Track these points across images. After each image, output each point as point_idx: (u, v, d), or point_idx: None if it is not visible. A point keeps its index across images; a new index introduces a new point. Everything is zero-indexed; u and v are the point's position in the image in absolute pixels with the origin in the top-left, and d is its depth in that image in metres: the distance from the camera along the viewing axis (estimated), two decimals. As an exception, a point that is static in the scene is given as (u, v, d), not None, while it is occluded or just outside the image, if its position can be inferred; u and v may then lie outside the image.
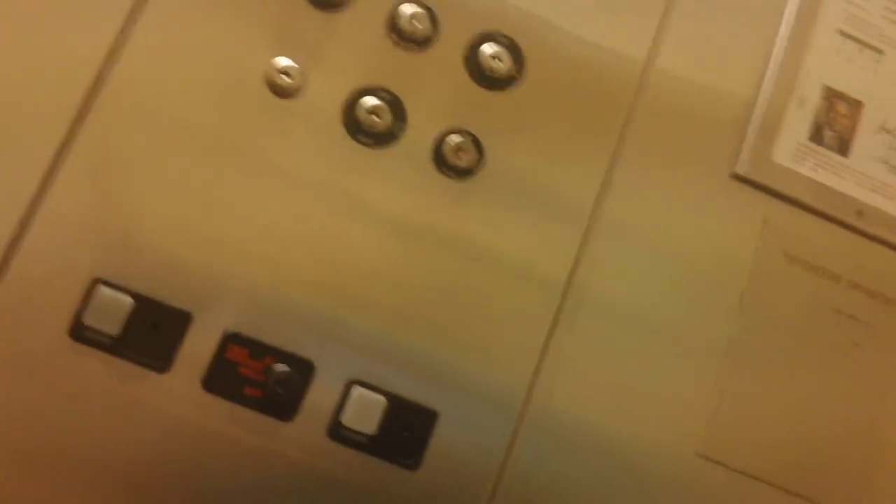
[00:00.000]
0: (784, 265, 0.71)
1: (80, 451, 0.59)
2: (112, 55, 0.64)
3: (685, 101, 0.72)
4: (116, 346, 0.61)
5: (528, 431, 0.65)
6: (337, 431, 0.62)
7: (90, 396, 0.60)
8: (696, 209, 0.71)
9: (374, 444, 0.63)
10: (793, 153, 0.73)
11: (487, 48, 0.68)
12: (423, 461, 0.63)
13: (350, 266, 0.65)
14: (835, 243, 0.73)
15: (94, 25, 0.64)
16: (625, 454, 0.66)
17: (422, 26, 0.68)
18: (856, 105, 0.75)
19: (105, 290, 0.61)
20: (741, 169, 0.72)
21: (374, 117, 0.66)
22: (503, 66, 0.68)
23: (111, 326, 0.60)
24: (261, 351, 0.62)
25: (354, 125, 0.66)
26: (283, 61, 0.65)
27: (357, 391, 0.63)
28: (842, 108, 0.74)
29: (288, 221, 0.64)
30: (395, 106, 0.67)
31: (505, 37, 0.69)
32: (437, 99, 0.68)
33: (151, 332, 0.61)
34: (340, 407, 0.63)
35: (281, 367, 0.62)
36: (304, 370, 0.63)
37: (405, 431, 0.63)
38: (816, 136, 0.73)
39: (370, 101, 0.66)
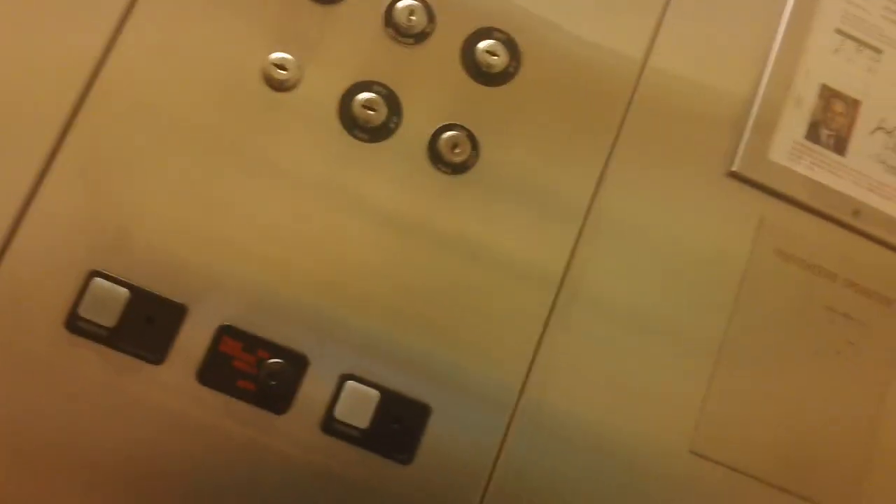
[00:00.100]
0: (779, 263, 0.71)
1: (74, 442, 0.60)
2: (107, 51, 0.64)
3: (682, 99, 0.72)
4: (112, 338, 0.61)
5: (521, 427, 0.65)
6: (330, 425, 0.62)
7: (85, 387, 0.60)
8: (692, 207, 0.71)
9: (367, 438, 0.63)
10: (789, 152, 0.73)
11: (484, 44, 0.68)
12: (416, 456, 0.64)
13: (344, 260, 0.65)
14: (830, 242, 0.73)
15: (90, 22, 0.64)
16: (618, 451, 0.67)
17: (418, 21, 0.68)
18: (853, 104, 0.75)
19: (101, 283, 0.61)
20: (738, 167, 0.71)
21: (369, 112, 0.66)
22: (500, 61, 0.68)
23: (107, 318, 0.61)
24: (255, 344, 0.62)
25: (350, 119, 0.66)
26: (279, 55, 0.65)
27: (350, 385, 0.63)
28: (839, 106, 0.74)
29: (283, 216, 0.64)
30: (391, 100, 0.67)
31: (502, 32, 0.69)
32: (433, 94, 0.68)
33: (146, 324, 0.61)
34: (334, 401, 0.63)
35: (274, 361, 0.62)
36: (297, 364, 0.63)
37: (398, 425, 0.63)
38: (813, 134, 0.73)
39: (366, 95, 0.66)
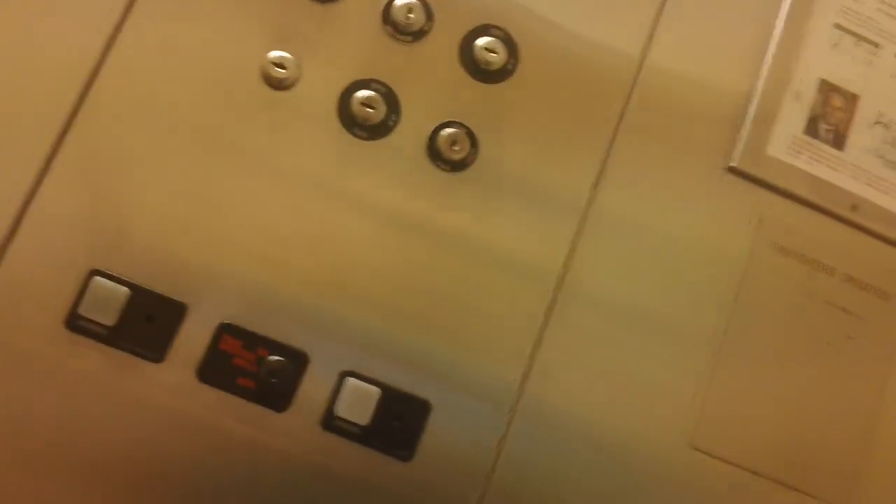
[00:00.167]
0: (778, 258, 0.71)
1: (74, 440, 0.60)
2: (107, 50, 0.64)
3: (680, 95, 0.72)
4: (112, 337, 0.61)
5: (521, 423, 0.66)
6: (330, 422, 0.63)
7: (86, 386, 0.60)
8: (690, 203, 0.71)
9: (368, 435, 0.63)
10: (788, 146, 0.73)
11: (482, 41, 0.68)
12: (417, 453, 0.64)
13: (344, 258, 0.65)
14: (829, 236, 0.73)
15: (89, 21, 0.64)
16: (618, 447, 0.67)
17: (417, 18, 0.68)
18: (851, 98, 0.75)
19: (101, 281, 0.61)
20: (736, 162, 0.72)
21: (368, 109, 0.66)
22: (498, 58, 0.68)
23: (107, 317, 0.61)
24: (255, 342, 0.63)
25: (349, 117, 0.66)
26: (277, 53, 0.65)
27: (351, 382, 0.63)
28: (837, 101, 0.74)
29: (282, 214, 0.64)
30: (390, 98, 0.67)
31: (500, 29, 0.69)
32: (431, 91, 0.68)
33: (147, 322, 0.62)
34: (334, 398, 0.63)
35: (274, 359, 0.62)
36: (297, 361, 0.63)
37: (398, 422, 0.64)
38: (812, 129, 0.73)
39: (365, 93, 0.66)
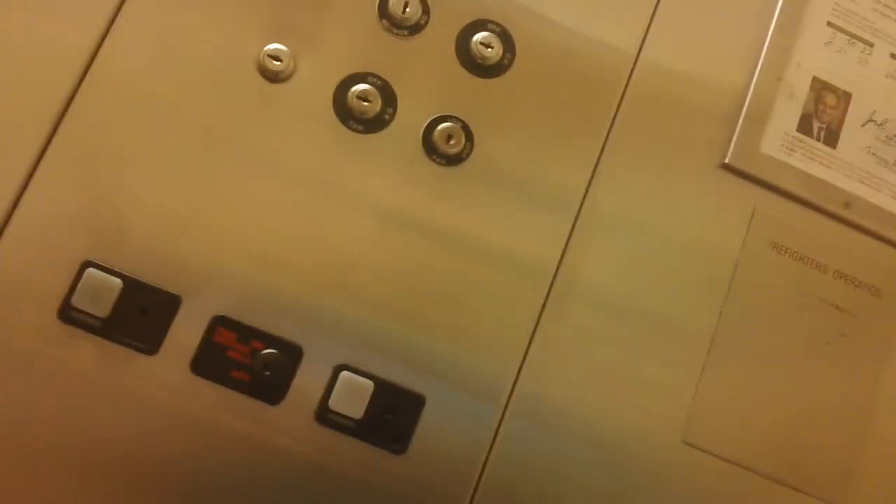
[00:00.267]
0: (771, 255, 0.72)
1: (67, 432, 0.60)
2: (101, 42, 0.64)
3: (675, 92, 0.72)
4: (105, 329, 0.61)
5: (514, 418, 0.66)
6: (324, 415, 0.63)
7: (79, 378, 0.60)
8: (684, 199, 0.71)
9: (361, 429, 0.63)
10: (781, 144, 0.73)
11: (478, 36, 0.68)
12: (410, 446, 0.64)
13: (339, 252, 0.65)
14: (822, 233, 0.73)
15: (83, 13, 0.64)
16: (611, 442, 0.67)
17: (413, 13, 0.68)
18: (844, 96, 0.75)
19: (94, 273, 0.61)
20: (730, 159, 0.72)
21: (364, 103, 0.66)
22: (494, 53, 0.68)
23: (100, 309, 0.61)
24: (249, 335, 0.62)
25: (345, 111, 0.66)
26: (273, 46, 0.65)
27: (345, 375, 0.63)
28: (831, 99, 0.75)
29: (277, 207, 0.64)
30: (386, 92, 0.67)
31: (496, 24, 0.69)
32: (427, 85, 0.68)
33: (140, 314, 0.61)
34: (328, 391, 0.63)
35: (268, 351, 0.62)
36: (292, 354, 0.63)
37: (392, 416, 0.63)
38: (805, 127, 0.74)
39: (361, 86, 0.66)
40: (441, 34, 0.69)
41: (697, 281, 0.70)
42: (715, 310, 0.70)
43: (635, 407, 0.68)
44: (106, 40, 0.64)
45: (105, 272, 0.61)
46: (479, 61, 0.68)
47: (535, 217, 0.68)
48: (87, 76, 0.63)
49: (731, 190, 0.72)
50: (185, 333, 0.62)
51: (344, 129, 0.66)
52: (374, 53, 0.67)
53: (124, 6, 0.65)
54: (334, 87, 0.66)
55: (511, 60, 0.69)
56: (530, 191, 0.68)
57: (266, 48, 0.65)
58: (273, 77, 0.65)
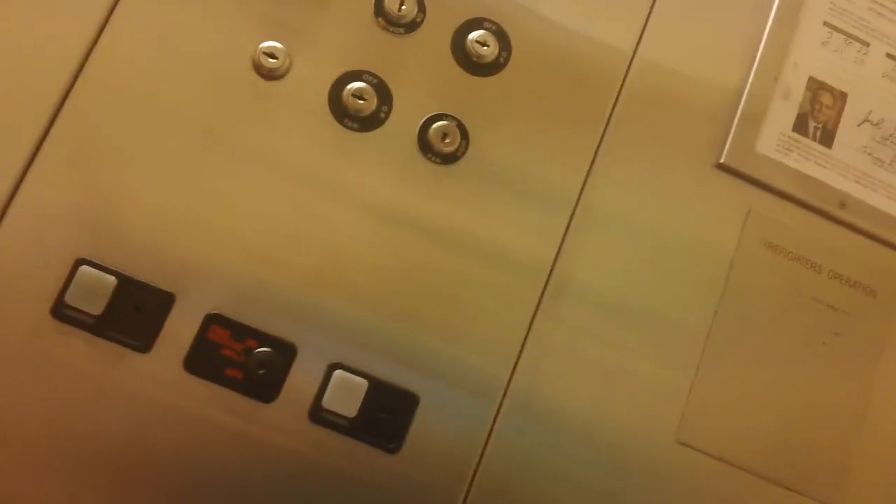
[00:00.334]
0: (766, 254, 0.72)
1: (60, 430, 0.59)
2: (96, 39, 0.64)
3: (670, 91, 0.72)
4: (98, 326, 0.61)
5: (509, 417, 0.66)
6: (318, 414, 0.62)
7: (71, 375, 0.60)
8: (680, 198, 0.71)
9: (355, 427, 0.63)
10: (777, 144, 0.73)
11: (474, 34, 0.68)
12: (404, 445, 0.64)
13: (333, 250, 0.65)
14: (817, 233, 0.73)
15: (78, 9, 0.63)
16: (605, 440, 0.67)
17: (409, 10, 0.68)
18: (840, 96, 0.75)
19: (88, 270, 0.61)
20: (725, 159, 0.72)
21: (359, 101, 0.66)
22: (490, 51, 0.68)
23: (94, 306, 0.61)
24: (243, 333, 0.62)
25: (340, 109, 0.66)
26: (269, 43, 0.65)
27: (338, 374, 0.63)
28: (826, 99, 0.75)
29: (272, 205, 0.64)
30: (381, 90, 0.67)
31: (492, 23, 0.69)
32: (423, 84, 0.68)
33: (134, 312, 0.61)
34: (322, 390, 0.63)
35: (262, 350, 0.62)
36: (286, 352, 0.63)
37: (386, 415, 0.63)
38: (800, 126, 0.74)
39: (356, 84, 0.66)
40: (437, 32, 0.69)
41: (692, 280, 0.70)
42: (710, 309, 0.70)
43: (630, 406, 0.68)
44: (101, 37, 0.64)
45: (99, 269, 0.61)
46: (475, 59, 0.68)
47: (530, 216, 0.68)
48: (83, 73, 0.63)
49: (726, 189, 0.72)
50: (179, 331, 0.62)
51: (339, 126, 0.66)
52: (370, 51, 0.67)
53: (120, 3, 0.64)
54: (330, 84, 0.66)
55: (507, 59, 0.69)
56: (525, 189, 0.68)
57: (262, 45, 0.65)
58: (268, 74, 0.65)
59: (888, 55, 0.76)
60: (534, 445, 0.66)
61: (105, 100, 0.63)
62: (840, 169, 0.74)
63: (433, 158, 0.67)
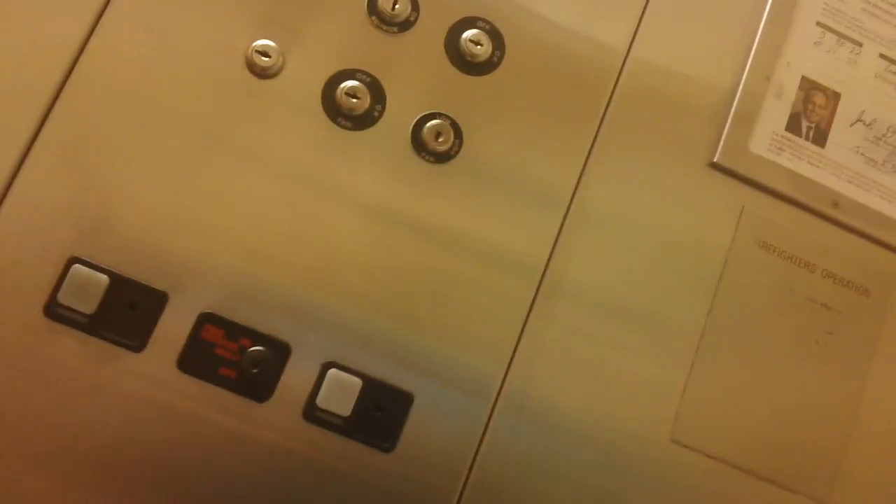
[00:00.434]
0: (759, 253, 0.72)
1: (53, 429, 0.59)
2: (89, 36, 0.63)
3: (664, 90, 0.72)
4: (91, 325, 0.60)
5: (503, 416, 0.66)
6: (312, 413, 0.62)
7: (64, 375, 0.60)
8: (673, 197, 0.71)
9: (349, 426, 0.63)
10: (770, 143, 0.73)
11: (468, 33, 0.68)
12: (398, 444, 0.64)
13: (327, 248, 0.65)
14: (810, 233, 0.73)
15: (71, 6, 0.63)
16: (599, 439, 0.67)
17: (402, 9, 0.68)
18: (833, 96, 0.75)
19: (80, 269, 0.61)
20: (718, 158, 0.72)
21: (353, 100, 0.66)
22: (483, 50, 0.68)
23: (86, 305, 0.60)
24: (236, 332, 0.62)
25: (333, 107, 0.66)
26: (262, 42, 0.65)
27: (332, 373, 0.63)
28: (819, 99, 0.75)
29: (265, 203, 0.64)
30: (375, 89, 0.67)
31: (486, 22, 0.69)
32: (416, 82, 0.68)
33: (127, 311, 0.61)
34: (316, 389, 0.63)
35: (256, 349, 0.62)
36: (279, 351, 0.63)
37: (380, 414, 0.63)
38: (793, 126, 0.74)
39: (349, 83, 0.66)
40: (430, 31, 0.69)
41: (686, 279, 0.70)
42: (703, 308, 0.70)
43: (624, 405, 0.68)
44: (94, 34, 0.64)
45: (91, 268, 0.61)
46: (469, 58, 0.68)
47: (524, 215, 0.68)
48: (75, 71, 0.63)
49: (719, 188, 0.72)
50: (173, 330, 0.62)
51: (333, 125, 0.66)
52: (363, 50, 0.67)
53: (113, 0, 0.64)
54: (323, 83, 0.66)
55: (500, 58, 0.69)
56: (519, 188, 0.68)
57: (254, 44, 0.65)
58: (261, 73, 0.65)
59: (881, 56, 0.77)
60: (528, 444, 0.66)
61: (97, 98, 0.63)
62: (833, 169, 0.74)
63: (427, 157, 0.67)
